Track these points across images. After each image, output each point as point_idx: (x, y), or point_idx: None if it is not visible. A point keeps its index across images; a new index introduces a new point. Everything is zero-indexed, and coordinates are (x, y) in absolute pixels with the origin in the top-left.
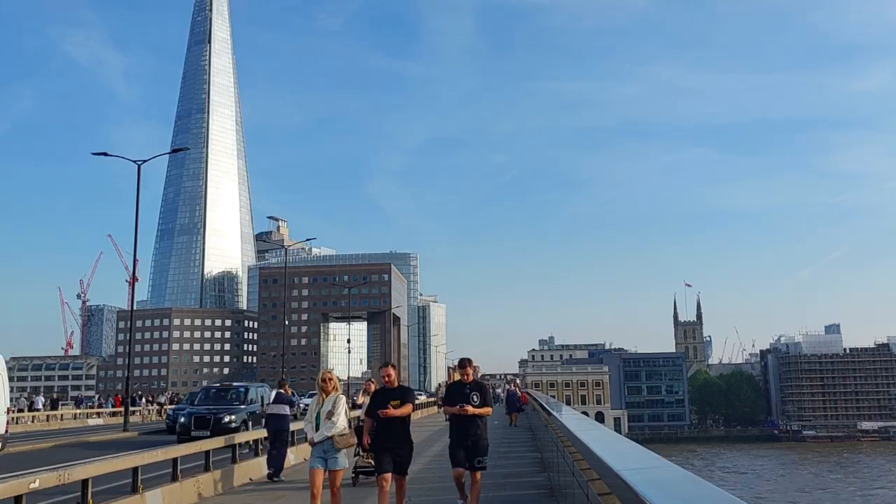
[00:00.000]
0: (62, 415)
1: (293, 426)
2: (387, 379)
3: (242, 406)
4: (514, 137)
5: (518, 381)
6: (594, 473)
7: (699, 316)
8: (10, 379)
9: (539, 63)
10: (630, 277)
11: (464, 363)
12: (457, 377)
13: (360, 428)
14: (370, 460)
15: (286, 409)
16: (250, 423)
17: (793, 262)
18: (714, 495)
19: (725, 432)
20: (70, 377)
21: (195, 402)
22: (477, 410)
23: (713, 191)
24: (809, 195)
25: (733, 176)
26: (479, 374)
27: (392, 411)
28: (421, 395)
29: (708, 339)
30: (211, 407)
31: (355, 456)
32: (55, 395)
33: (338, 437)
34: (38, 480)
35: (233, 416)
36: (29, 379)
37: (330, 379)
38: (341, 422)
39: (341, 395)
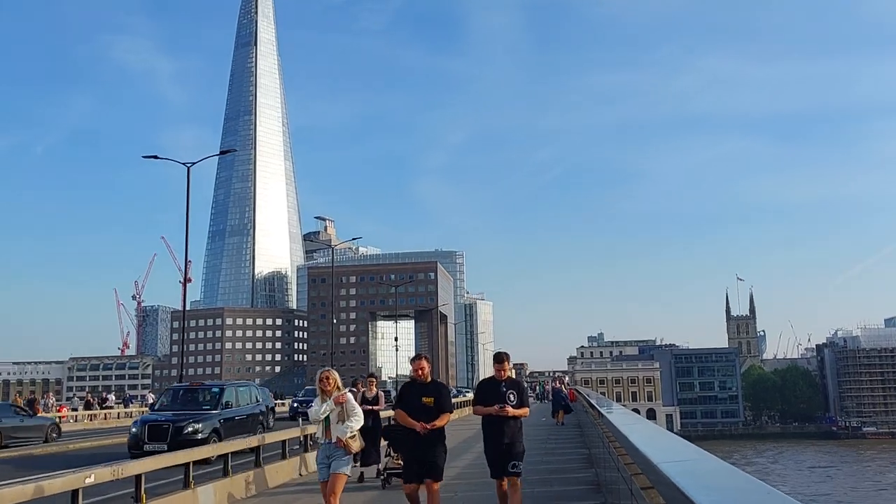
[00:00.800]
0: (118, 413)
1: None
2: (420, 372)
3: (214, 412)
4: (559, 132)
5: (566, 379)
6: (637, 468)
7: (752, 310)
8: (70, 378)
9: (584, 56)
10: (680, 272)
11: (500, 357)
12: (497, 373)
13: (390, 428)
14: (400, 461)
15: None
16: (223, 433)
17: (850, 254)
18: (752, 487)
19: (781, 429)
20: (127, 376)
21: (156, 407)
22: (516, 412)
23: (764, 182)
24: (865, 185)
25: (785, 166)
26: (528, 372)
27: (437, 423)
28: (464, 392)
29: (761, 333)
30: (173, 413)
31: (385, 457)
32: (104, 395)
33: (347, 439)
34: (93, 475)
35: (198, 426)
36: (87, 379)
37: (328, 378)
38: (354, 424)
39: (347, 392)
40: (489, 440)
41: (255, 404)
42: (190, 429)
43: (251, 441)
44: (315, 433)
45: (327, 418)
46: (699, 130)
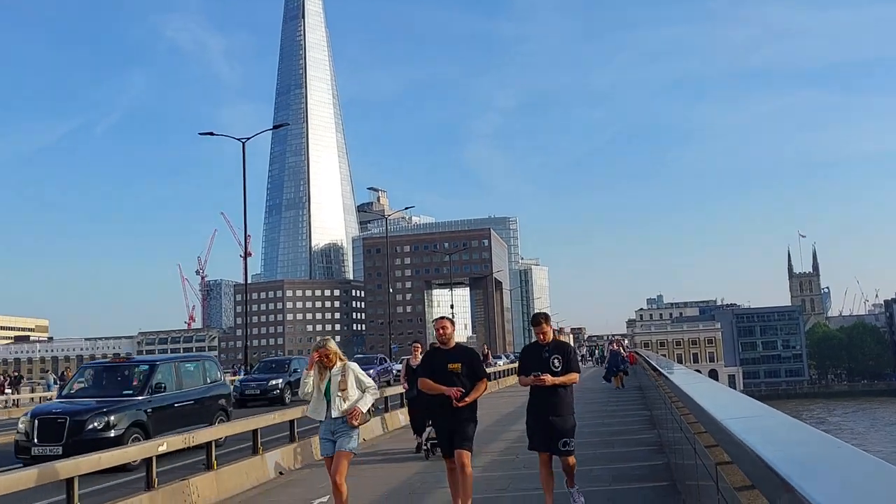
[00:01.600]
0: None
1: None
2: (442, 332)
3: (139, 398)
4: (613, 91)
5: (626, 341)
6: (700, 427)
7: (815, 267)
8: (139, 353)
9: (634, 12)
10: (740, 231)
11: (538, 319)
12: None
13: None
14: None
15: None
16: (151, 427)
17: None
18: (820, 441)
19: (849, 387)
20: (194, 349)
21: (64, 392)
22: (558, 379)
23: (826, 135)
24: None
25: (848, 118)
26: (586, 336)
27: (473, 395)
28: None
29: (826, 290)
30: (80, 401)
31: (427, 426)
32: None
33: (355, 411)
34: (165, 444)
35: (110, 418)
36: (157, 352)
37: (327, 354)
38: (358, 395)
39: (349, 364)
40: (531, 413)
41: (207, 386)
42: (95, 423)
43: (198, 435)
44: (307, 410)
45: (328, 391)
46: (756, 84)
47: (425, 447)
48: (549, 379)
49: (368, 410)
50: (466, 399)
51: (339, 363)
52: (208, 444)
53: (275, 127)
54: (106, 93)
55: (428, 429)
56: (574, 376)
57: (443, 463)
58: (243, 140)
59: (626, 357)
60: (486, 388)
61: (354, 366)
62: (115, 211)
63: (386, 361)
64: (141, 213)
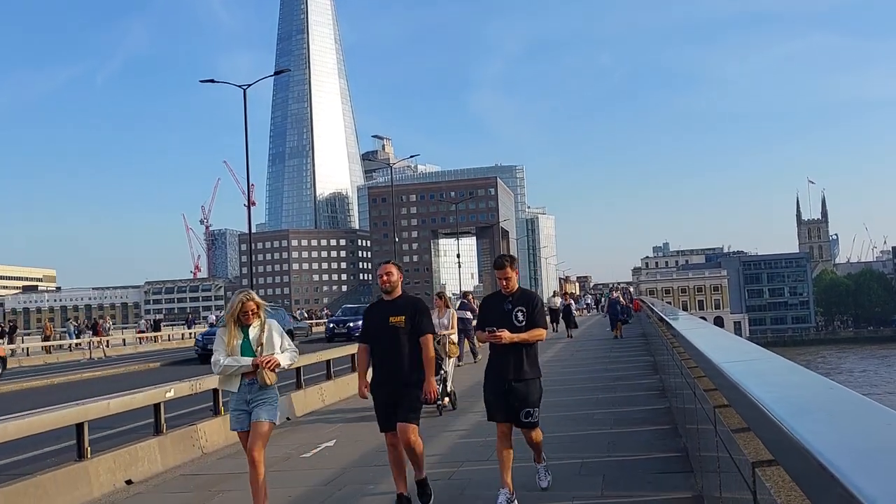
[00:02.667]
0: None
1: None
2: (385, 279)
3: None
4: (621, 35)
5: (630, 289)
6: (700, 371)
7: (824, 213)
8: (147, 302)
9: None
10: (748, 177)
11: (502, 262)
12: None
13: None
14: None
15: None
16: None
17: None
18: (814, 383)
19: (854, 333)
20: (200, 299)
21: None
22: (519, 336)
23: (837, 80)
24: None
25: (861, 63)
26: (592, 284)
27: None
28: None
29: (834, 237)
30: None
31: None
32: (156, 318)
33: (268, 365)
34: (172, 390)
35: None
36: (163, 302)
37: (251, 308)
38: (286, 359)
39: (270, 322)
40: (488, 377)
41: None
42: None
43: (204, 382)
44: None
45: (248, 349)
46: (769, 27)
47: (437, 404)
48: (506, 335)
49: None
50: (430, 375)
51: (256, 321)
52: (214, 390)
53: (276, 73)
54: (105, 40)
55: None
56: (540, 332)
57: (432, 419)
58: (244, 87)
59: (626, 306)
60: (431, 347)
61: (275, 324)
62: (119, 160)
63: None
64: (144, 163)
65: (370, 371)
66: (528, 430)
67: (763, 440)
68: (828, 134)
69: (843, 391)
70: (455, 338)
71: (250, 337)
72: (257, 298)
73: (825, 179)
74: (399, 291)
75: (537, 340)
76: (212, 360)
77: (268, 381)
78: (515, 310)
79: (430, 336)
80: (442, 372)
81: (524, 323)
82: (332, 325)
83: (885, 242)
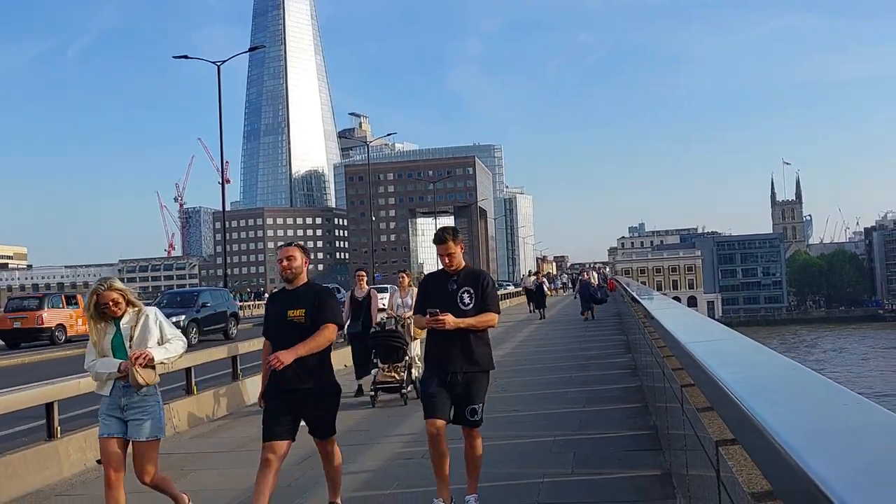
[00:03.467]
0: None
1: None
2: (286, 265)
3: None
4: (599, 14)
5: (604, 269)
6: (668, 351)
7: (798, 194)
8: (121, 280)
9: None
10: (724, 159)
11: (443, 236)
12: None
13: (376, 335)
14: (393, 374)
15: None
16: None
17: None
18: (777, 363)
19: (826, 313)
20: (175, 277)
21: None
22: (465, 322)
23: (813, 61)
24: None
25: (837, 44)
26: (569, 264)
27: (305, 348)
28: (505, 285)
29: (808, 218)
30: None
31: (374, 369)
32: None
33: (143, 370)
34: None
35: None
36: (137, 280)
37: (115, 298)
38: (173, 350)
39: (147, 311)
40: (428, 367)
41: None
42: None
43: (177, 362)
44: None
45: (120, 344)
46: (747, 8)
47: (371, 392)
48: (450, 320)
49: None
50: (298, 351)
51: (130, 310)
52: (187, 370)
53: (251, 49)
54: (76, 13)
55: (374, 371)
56: (491, 317)
57: (391, 409)
58: (218, 63)
59: (598, 287)
60: (326, 336)
61: (154, 312)
62: (91, 136)
63: (340, 292)
64: (117, 139)
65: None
66: (470, 432)
67: (725, 419)
68: (803, 115)
69: (805, 372)
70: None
71: (122, 330)
72: (119, 285)
73: (800, 161)
74: (304, 279)
75: (488, 327)
76: (84, 362)
77: (141, 381)
78: (461, 291)
79: (332, 326)
80: (407, 358)
81: (471, 306)
82: None
83: (857, 224)
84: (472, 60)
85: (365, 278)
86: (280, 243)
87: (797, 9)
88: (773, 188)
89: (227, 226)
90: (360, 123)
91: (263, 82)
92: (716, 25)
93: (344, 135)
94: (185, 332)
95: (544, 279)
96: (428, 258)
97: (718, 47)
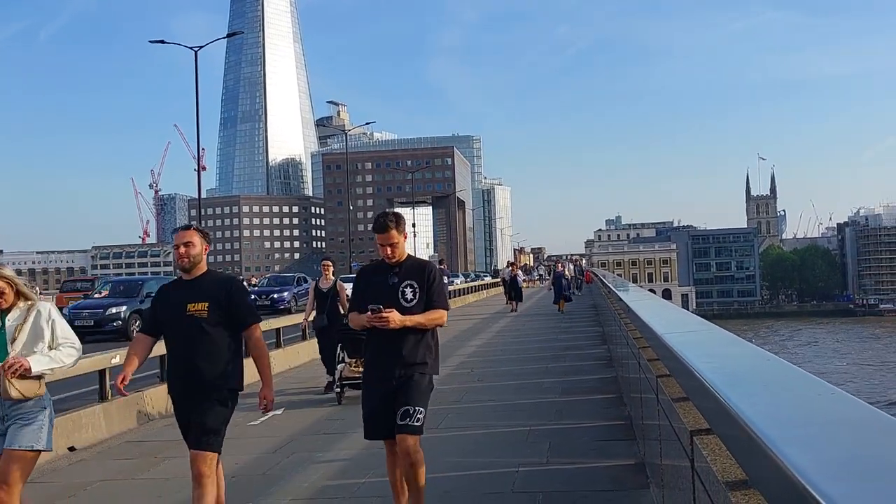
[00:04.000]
0: None
1: None
2: (182, 251)
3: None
4: (579, 6)
5: (583, 261)
6: (644, 342)
7: (773, 189)
8: (94, 267)
9: None
10: (700, 153)
11: (383, 223)
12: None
13: (344, 329)
14: (359, 370)
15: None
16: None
17: (877, 131)
18: (752, 354)
19: (798, 307)
20: (149, 264)
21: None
22: (412, 320)
23: (791, 57)
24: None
25: (814, 40)
26: (546, 256)
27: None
28: (483, 276)
29: (782, 213)
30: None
31: (339, 363)
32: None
33: (17, 381)
34: (118, 356)
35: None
36: (111, 267)
37: (0, 281)
38: (64, 357)
39: (41, 305)
40: (368, 377)
41: None
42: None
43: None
44: None
45: (2, 345)
46: (725, 2)
47: (337, 389)
48: (395, 318)
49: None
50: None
51: (20, 304)
52: (161, 357)
53: (229, 35)
54: None
55: (340, 366)
56: (439, 315)
57: (355, 407)
58: (195, 49)
59: (572, 279)
60: (260, 342)
61: (48, 308)
62: (65, 121)
63: (306, 282)
64: (92, 124)
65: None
66: (405, 439)
67: (700, 409)
68: (778, 111)
69: (779, 362)
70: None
71: (6, 327)
72: (7, 272)
73: (775, 156)
74: (204, 268)
75: (436, 325)
76: None
77: (15, 394)
78: (403, 285)
79: (256, 327)
80: (341, 355)
81: (415, 303)
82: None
83: (830, 219)
84: (451, 50)
85: (331, 268)
86: (256, 232)
87: (774, 6)
88: (748, 183)
89: (203, 213)
90: (339, 112)
91: (241, 69)
92: (694, 20)
93: (322, 123)
94: (126, 324)
95: (519, 270)
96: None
97: (696, 42)
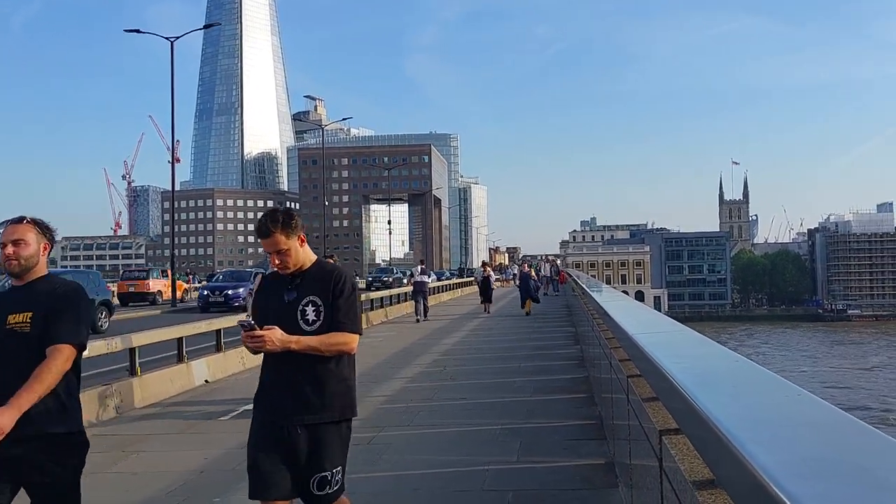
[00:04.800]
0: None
1: None
2: (11, 252)
3: None
4: (559, 7)
5: (555, 261)
6: (616, 342)
7: (745, 194)
8: (63, 258)
9: None
10: (675, 156)
11: (266, 228)
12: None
13: None
14: None
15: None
16: None
17: (849, 138)
18: (722, 354)
19: (768, 311)
20: (120, 256)
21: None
22: (301, 342)
23: (766, 64)
24: (870, 66)
25: (788, 48)
26: (520, 256)
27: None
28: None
29: (754, 218)
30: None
31: None
32: None
33: None
34: (87, 348)
35: None
36: (81, 258)
37: None
38: None
39: None
40: (255, 415)
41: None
42: None
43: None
44: None
45: None
46: (704, 7)
47: None
48: (275, 337)
49: None
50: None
51: None
52: (131, 350)
53: (206, 26)
54: None
55: None
56: (341, 340)
57: None
58: (172, 39)
59: (538, 281)
60: (59, 364)
61: None
62: (38, 109)
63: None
64: (65, 113)
65: None
66: None
67: (670, 409)
68: (752, 117)
69: (748, 364)
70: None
71: None
72: None
73: (748, 161)
74: (42, 271)
75: (339, 353)
76: None
77: None
78: (304, 302)
79: (63, 348)
80: None
81: (319, 324)
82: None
83: (801, 224)
84: (430, 48)
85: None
86: (230, 226)
87: (751, 12)
88: (721, 187)
89: (176, 206)
90: (316, 107)
91: (218, 61)
92: (671, 25)
93: (298, 117)
94: (245, 301)
95: (491, 271)
96: (381, 245)
97: (673, 47)
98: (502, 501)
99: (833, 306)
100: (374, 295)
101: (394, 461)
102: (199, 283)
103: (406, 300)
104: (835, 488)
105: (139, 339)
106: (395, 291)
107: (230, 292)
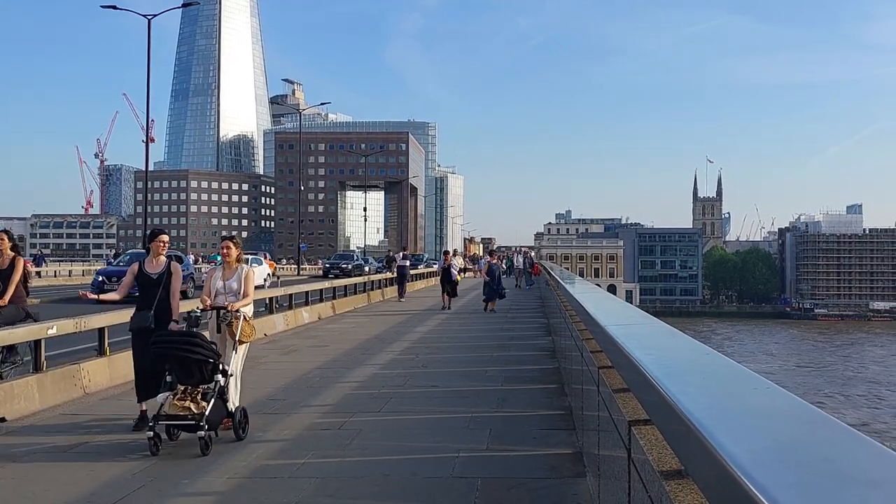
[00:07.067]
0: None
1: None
2: None
3: None
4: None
5: (531, 253)
6: (588, 334)
7: (719, 192)
8: (33, 236)
9: None
10: (651, 152)
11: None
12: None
13: (159, 337)
14: (188, 403)
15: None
16: None
17: (822, 139)
18: (692, 347)
19: (737, 308)
20: (91, 235)
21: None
22: None
23: (742, 63)
24: (845, 68)
25: (765, 47)
26: (495, 246)
27: None
28: (431, 262)
29: (727, 215)
30: None
31: (162, 392)
32: (39, 252)
33: None
34: (55, 327)
35: None
36: (51, 236)
37: None
38: None
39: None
40: None
41: None
42: None
43: (90, 321)
44: None
45: None
46: (683, 6)
47: (150, 431)
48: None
49: None
50: None
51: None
52: (101, 329)
53: (184, 5)
54: None
55: (162, 395)
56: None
57: (180, 459)
58: (149, 17)
59: (507, 271)
60: None
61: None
62: (9, 84)
63: (182, 260)
64: (37, 89)
65: None
66: None
67: (640, 400)
68: (728, 115)
69: (718, 357)
70: (249, 311)
71: None
72: None
73: (722, 159)
74: None
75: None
76: None
77: None
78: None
79: None
80: (218, 378)
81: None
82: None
83: (773, 224)
84: (411, 35)
85: (165, 247)
86: (203, 208)
87: (729, 10)
88: (695, 184)
89: (150, 186)
90: (294, 91)
91: (195, 41)
92: (651, 22)
93: (276, 101)
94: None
95: (453, 260)
96: (356, 232)
97: (652, 43)
98: (471, 488)
99: (801, 305)
100: (348, 282)
101: (364, 446)
102: None
103: (381, 287)
104: (799, 476)
105: (108, 318)
106: (375, 278)
107: (116, 278)
